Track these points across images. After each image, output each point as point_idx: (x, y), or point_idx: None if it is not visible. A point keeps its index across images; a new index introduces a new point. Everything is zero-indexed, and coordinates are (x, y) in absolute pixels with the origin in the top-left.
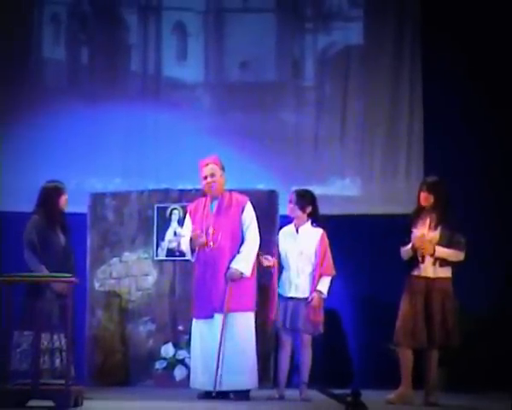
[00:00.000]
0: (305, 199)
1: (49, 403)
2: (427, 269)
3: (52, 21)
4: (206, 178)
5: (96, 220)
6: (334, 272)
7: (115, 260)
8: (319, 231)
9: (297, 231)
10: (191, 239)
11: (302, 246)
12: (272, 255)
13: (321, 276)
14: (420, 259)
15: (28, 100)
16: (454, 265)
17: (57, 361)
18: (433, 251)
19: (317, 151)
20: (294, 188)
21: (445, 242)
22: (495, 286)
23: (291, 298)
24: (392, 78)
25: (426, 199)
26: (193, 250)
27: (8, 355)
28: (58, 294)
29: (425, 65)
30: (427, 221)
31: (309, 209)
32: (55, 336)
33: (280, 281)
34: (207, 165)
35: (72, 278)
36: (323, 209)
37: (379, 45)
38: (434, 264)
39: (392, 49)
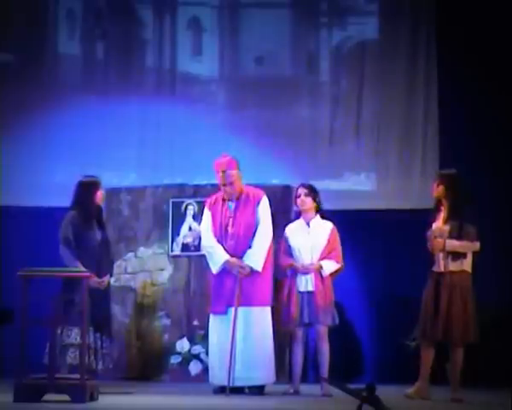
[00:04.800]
0: (314, 190)
1: (65, 397)
2: (439, 263)
3: (67, 17)
4: (225, 185)
5: (112, 215)
6: (341, 263)
7: (130, 255)
8: (330, 225)
9: (308, 224)
10: (227, 261)
11: (315, 240)
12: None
13: (327, 259)
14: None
15: (43, 95)
16: (472, 257)
17: (92, 357)
18: (443, 246)
19: (331, 147)
20: (313, 182)
21: (456, 234)
22: (510, 281)
23: (305, 292)
24: (407, 73)
25: (435, 190)
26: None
27: (23, 350)
28: (91, 289)
29: (440, 61)
30: (442, 215)
31: (318, 200)
32: (90, 332)
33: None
34: (224, 172)
35: (87, 273)
36: (338, 204)
37: (394, 40)
38: (446, 258)
39: (408, 45)
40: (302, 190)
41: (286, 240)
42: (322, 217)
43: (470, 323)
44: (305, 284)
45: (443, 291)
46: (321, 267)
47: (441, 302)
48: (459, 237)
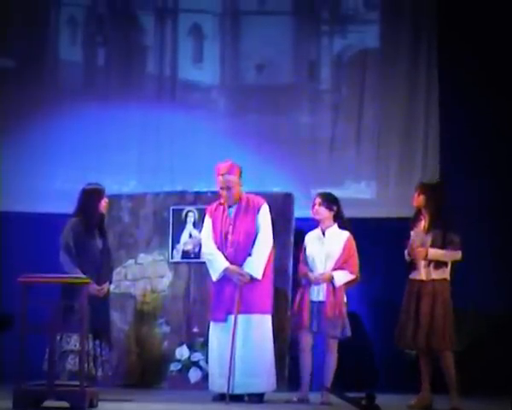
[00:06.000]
0: (330, 199)
1: (65, 404)
2: (421, 271)
3: (69, 23)
4: (222, 189)
5: (112, 222)
6: (357, 274)
7: (130, 261)
8: (346, 234)
9: (323, 234)
10: (227, 269)
11: (329, 249)
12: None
13: (341, 269)
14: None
15: (44, 100)
16: (452, 266)
17: (91, 364)
18: (425, 255)
19: (332, 154)
20: (313, 190)
21: (439, 243)
22: (508, 288)
23: (316, 302)
24: (408, 81)
25: (416, 200)
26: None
27: (23, 356)
28: (91, 296)
29: (441, 69)
30: (423, 224)
31: (335, 209)
32: (89, 339)
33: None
34: (223, 175)
35: (86, 280)
36: None
37: (395, 49)
38: (428, 266)
39: (409, 53)
40: (317, 200)
41: (304, 249)
42: (340, 226)
43: (451, 331)
44: (317, 293)
45: (425, 300)
46: (332, 278)
47: (422, 310)
48: (442, 246)
